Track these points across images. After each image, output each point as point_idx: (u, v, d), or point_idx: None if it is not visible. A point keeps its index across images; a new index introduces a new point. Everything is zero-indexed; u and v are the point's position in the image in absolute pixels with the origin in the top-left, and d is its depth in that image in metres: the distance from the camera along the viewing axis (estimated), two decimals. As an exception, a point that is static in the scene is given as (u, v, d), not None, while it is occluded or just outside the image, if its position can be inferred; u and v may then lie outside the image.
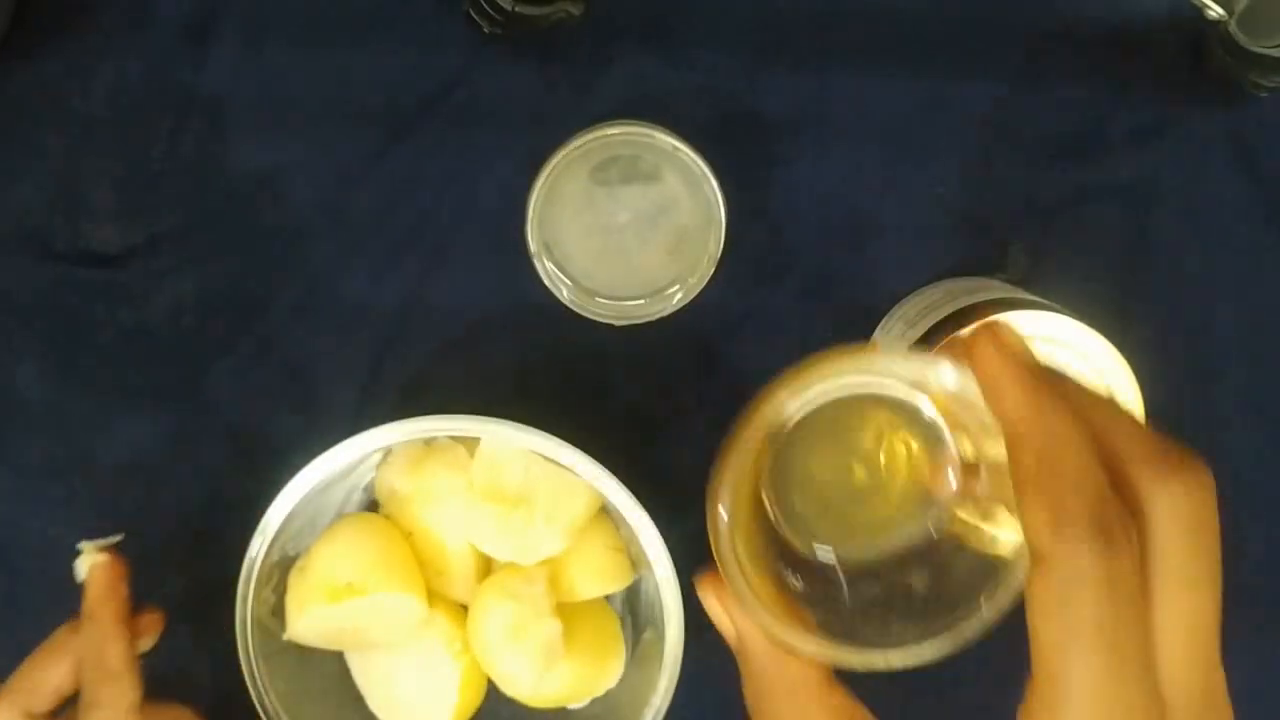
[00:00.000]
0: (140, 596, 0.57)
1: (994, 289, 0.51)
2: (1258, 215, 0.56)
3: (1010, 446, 0.29)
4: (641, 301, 0.52)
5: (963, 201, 0.56)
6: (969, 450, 0.33)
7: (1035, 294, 0.50)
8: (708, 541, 0.32)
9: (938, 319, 0.48)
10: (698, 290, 0.52)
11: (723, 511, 0.32)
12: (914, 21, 0.55)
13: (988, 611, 0.30)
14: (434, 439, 0.52)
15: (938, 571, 0.33)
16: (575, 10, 0.51)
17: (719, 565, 0.32)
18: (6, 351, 0.56)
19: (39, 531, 0.57)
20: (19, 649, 0.57)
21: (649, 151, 0.51)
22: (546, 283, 0.52)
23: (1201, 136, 0.56)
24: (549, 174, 0.50)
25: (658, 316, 0.52)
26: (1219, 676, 0.32)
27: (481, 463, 0.51)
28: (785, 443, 0.34)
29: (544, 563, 0.51)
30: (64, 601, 0.57)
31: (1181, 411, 0.55)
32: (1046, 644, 0.28)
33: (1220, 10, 0.51)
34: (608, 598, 0.55)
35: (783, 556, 0.34)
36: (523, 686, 0.52)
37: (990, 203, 0.56)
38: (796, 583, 0.33)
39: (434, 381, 0.57)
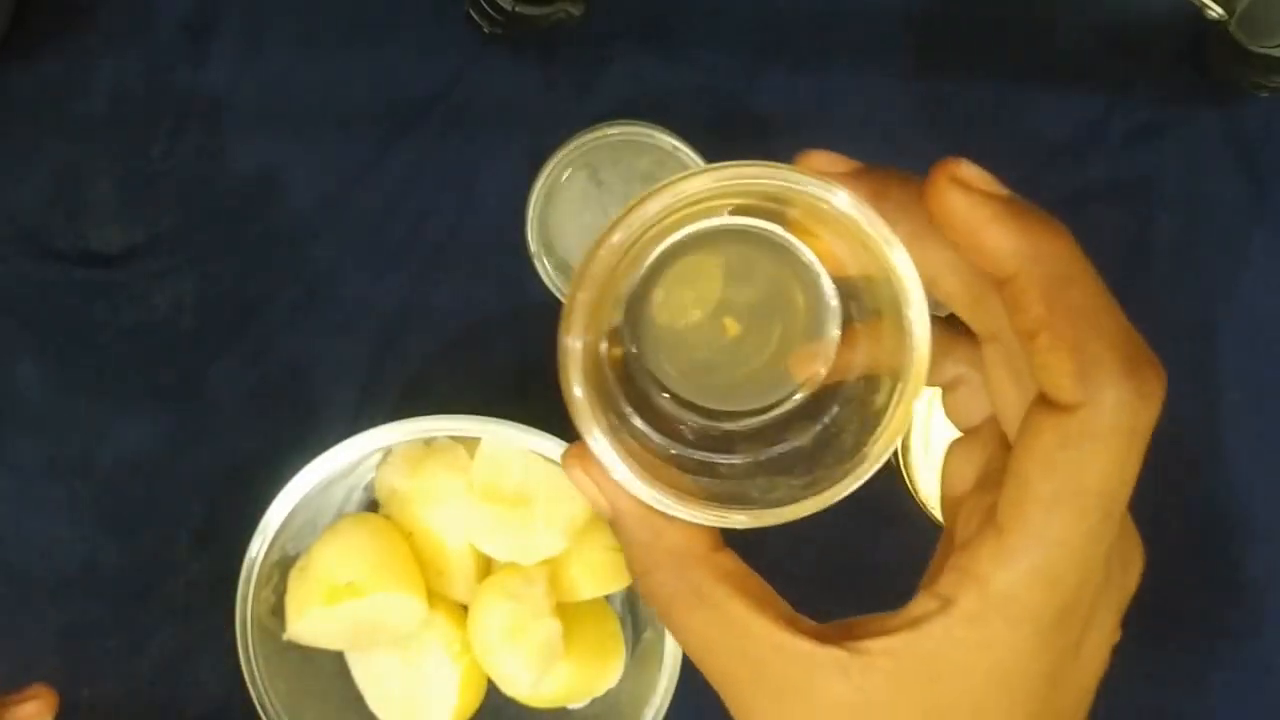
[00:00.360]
0: (141, 596, 0.57)
1: (994, 289, 0.51)
2: (1258, 215, 0.56)
3: (1010, 296, 0.25)
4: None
5: (963, 201, 0.56)
6: (852, 297, 0.29)
7: (1035, 294, 0.50)
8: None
9: (939, 319, 0.48)
10: (698, 290, 0.52)
11: (576, 376, 0.28)
12: (913, 21, 0.55)
13: (870, 461, 0.27)
14: (434, 439, 0.52)
15: (819, 424, 0.30)
16: (575, 10, 0.51)
17: (580, 430, 0.28)
18: (6, 351, 0.56)
19: (39, 531, 0.57)
20: (19, 649, 0.57)
21: (649, 151, 0.51)
22: (546, 283, 0.52)
23: (1202, 136, 0.56)
24: (549, 174, 0.50)
25: (658, 316, 0.52)
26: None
27: (481, 463, 0.51)
28: (644, 288, 0.29)
29: (544, 563, 0.51)
30: (64, 601, 0.57)
31: (1183, 411, 0.55)
32: (1035, 497, 0.25)
33: (1220, 10, 0.51)
34: (607, 598, 0.55)
35: (650, 419, 0.30)
36: (522, 686, 0.52)
37: (990, 202, 0.56)
38: (668, 446, 0.30)
39: (434, 381, 0.56)
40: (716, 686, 0.29)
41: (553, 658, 0.51)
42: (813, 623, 0.28)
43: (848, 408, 0.29)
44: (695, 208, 0.28)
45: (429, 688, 0.53)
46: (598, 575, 0.52)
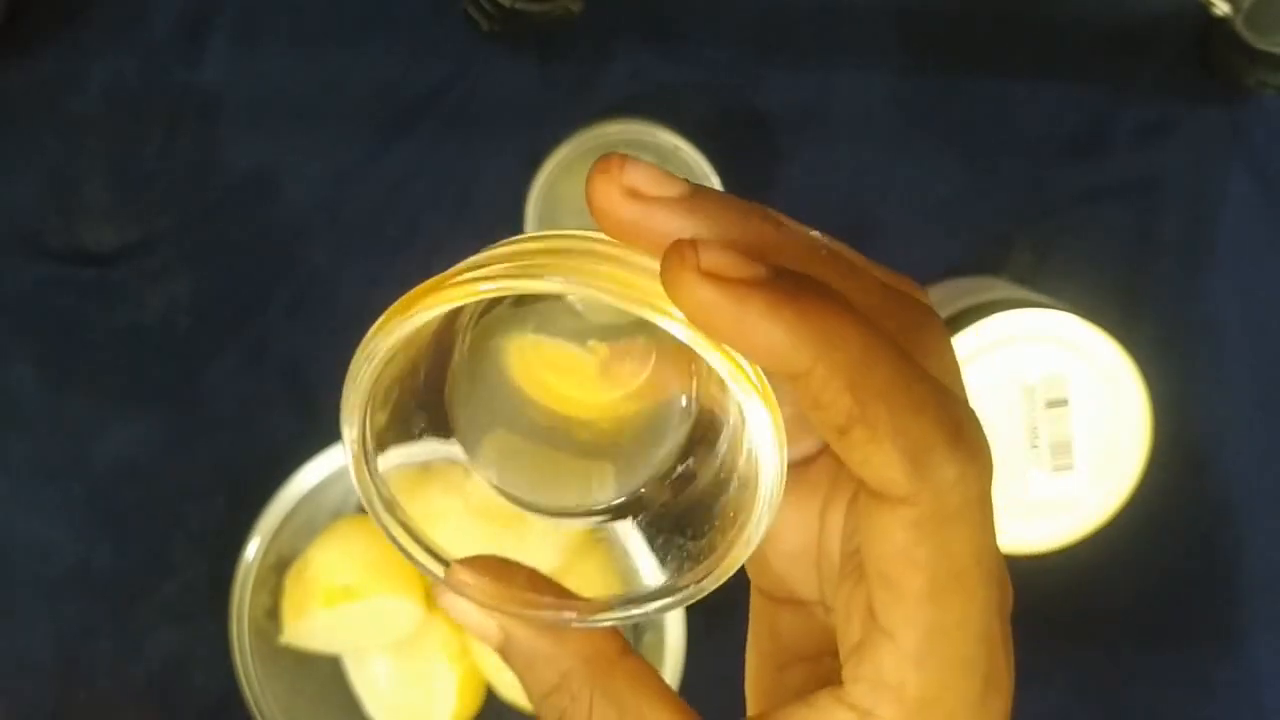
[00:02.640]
0: (137, 598, 0.57)
1: (998, 288, 0.51)
2: (1264, 212, 0.56)
3: (807, 392, 0.21)
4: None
5: (967, 199, 0.56)
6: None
7: (1040, 293, 0.50)
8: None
9: (942, 318, 0.48)
10: (699, 289, 0.51)
11: (378, 502, 0.24)
12: (916, 18, 0.55)
13: (737, 549, 0.24)
14: (430, 462, 0.52)
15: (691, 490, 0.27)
16: (575, 7, 0.51)
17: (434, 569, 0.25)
18: (1, 352, 0.56)
19: (34, 533, 0.57)
20: (14, 651, 0.57)
21: (650, 149, 0.51)
22: None
23: (1207, 134, 0.55)
24: (549, 172, 0.50)
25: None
26: None
27: (476, 479, 0.50)
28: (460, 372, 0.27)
29: (543, 566, 0.51)
30: (59, 603, 0.57)
31: (1188, 410, 0.55)
32: (914, 595, 0.22)
33: (1226, 7, 0.50)
34: (608, 600, 0.55)
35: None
36: (521, 690, 0.51)
37: (995, 201, 0.56)
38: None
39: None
40: None
41: (552, 661, 0.50)
42: None
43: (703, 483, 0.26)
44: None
45: (427, 691, 0.52)
46: (593, 590, 0.52)
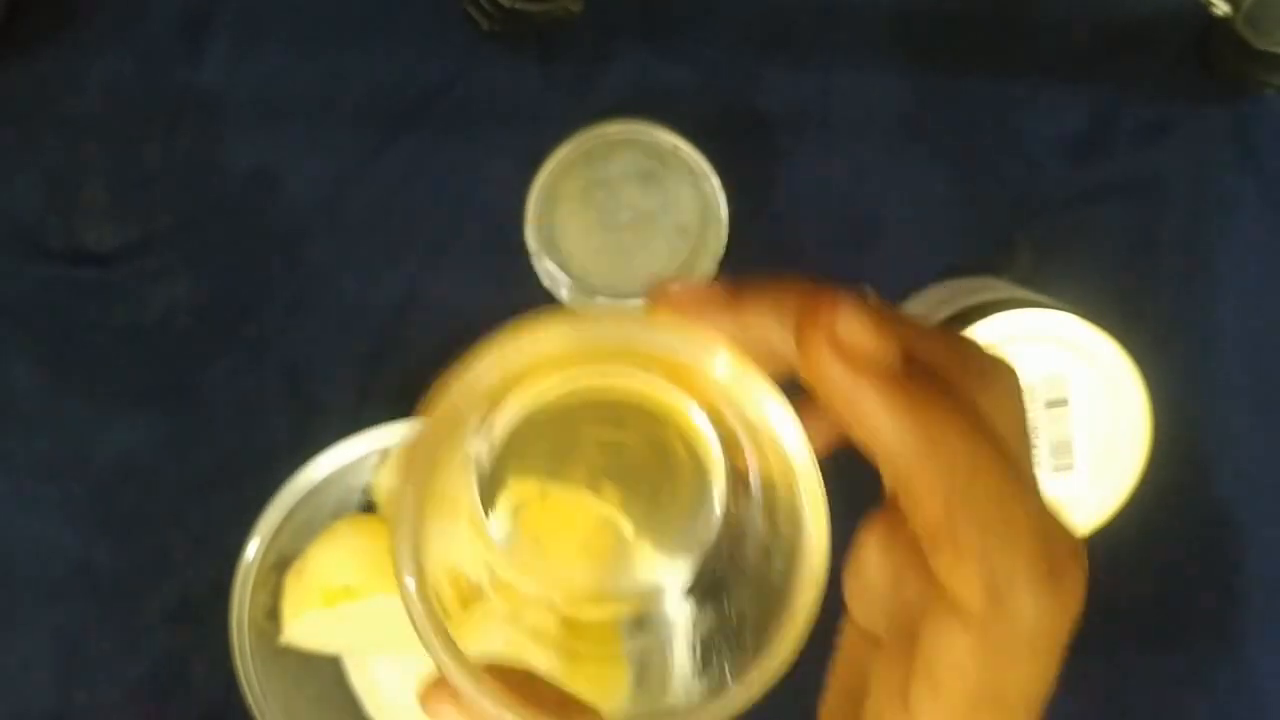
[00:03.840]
0: (136, 598, 0.57)
1: (998, 288, 0.51)
2: (1264, 213, 0.56)
3: (902, 483, 0.21)
4: (642, 300, 0.52)
5: (967, 199, 0.56)
6: (743, 458, 0.24)
7: (1040, 293, 0.50)
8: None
9: (941, 318, 0.48)
10: (698, 289, 0.51)
11: (417, 596, 0.23)
12: (917, 17, 0.55)
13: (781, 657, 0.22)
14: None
15: (717, 610, 0.25)
16: (575, 7, 0.51)
17: (447, 670, 0.24)
18: (0, 352, 0.56)
19: (33, 533, 0.57)
20: (14, 652, 0.57)
21: (649, 149, 0.51)
22: (546, 282, 0.51)
23: (1207, 134, 0.56)
24: (548, 172, 0.50)
25: (658, 316, 0.52)
26: None
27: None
28: (494, 462, 0.25)
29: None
30: (59, 604, 0.57)
31: (1188, 410, 0.55)
32: (950, 704, 0.22)
33: (1226, 7, 0.50)
34: (608, 600, 0.55)
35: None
36: (522, 690, 0.51)
37: (994, 201, 0.56)
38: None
39: (432, 381, 0.56)
40: None
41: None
42: None
43: (744, 587, 0.24)
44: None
45: (427, 691, 0.52)
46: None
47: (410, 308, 0.56)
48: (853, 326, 0.21)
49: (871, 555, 0.24)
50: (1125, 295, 0.55)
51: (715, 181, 0.50)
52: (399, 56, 0.55)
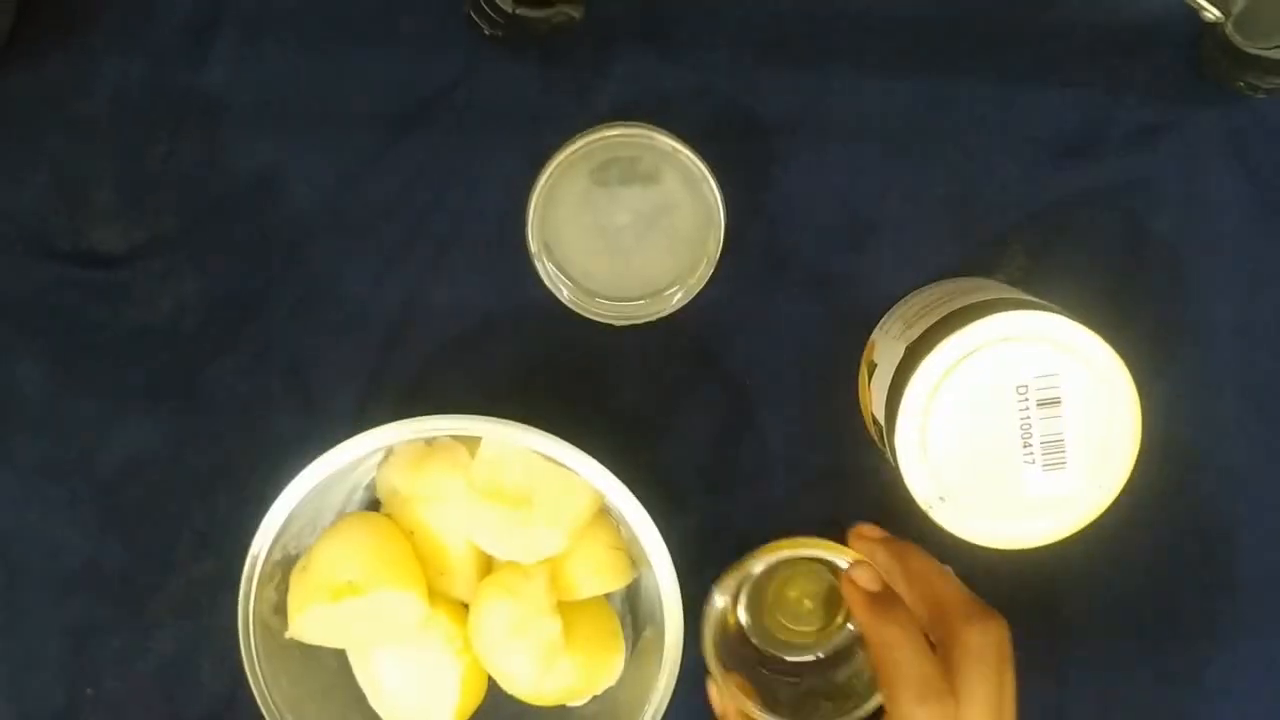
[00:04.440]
0: (144, 595, 0.57)
1: (992, 289, 0.51)
2: (1255, 215, 0.56)
3: (867, 645, 0.48)
4: (642, 302, 0.52)
5: (961, 201, 0.56)
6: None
7: (1033, 294, 0.51)
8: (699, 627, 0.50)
9: (936, 319, 0.49)
10: (697, 290, 0.52)
11: (711, 636, 0.51)
12: (913, 21, 0.56)
13: (869, 703, 0.51)
14: (435, 439, 0.52)
15: (844, 673, 0.54)
16: (575, 12, 0.51)
17: (711, 665, 0.51)
18: (8, 351, 0.57)
19: (41, 531, 0.57)
20: (22, 649, 0.57)
21: (648, 152, 0.51)
22: (546, 283, 0.52)
23: (1199, 137, 0.56)
24: (549, 175, 0.50)
25: (657, 317, 0.52)
26: None
27: (482, 462, 0.51)
28: (755, 584, 0.55)
29: (544, 561, 0.52)
30: (67, 601, 0.57)
31: (1180, 411, 0.55)
32: None
33: (1217, 12, 0.51)
34: (608, 596, 0.55)
35: (745, 664, 0.53)
36: (523, 684, 0.52)
37: (989, 203, 0.56)
38: (758, 678, 0.53)
39: (434, 381, 0.57)
40: None
41: (553, 656, 0.51)
42: None
43: (856, 664, 0.54)
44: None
45: (430, 686, 0.53)
46: (598, 573, 0.53)
47: (413, 308, 0.57)
48: (862, 571, 0.48)
49: None
50: (1117, 296, 0.56)
51: (714, 184, 0.50)
52: (402, 60, 0.56)
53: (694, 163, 0.50)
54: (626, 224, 0.52)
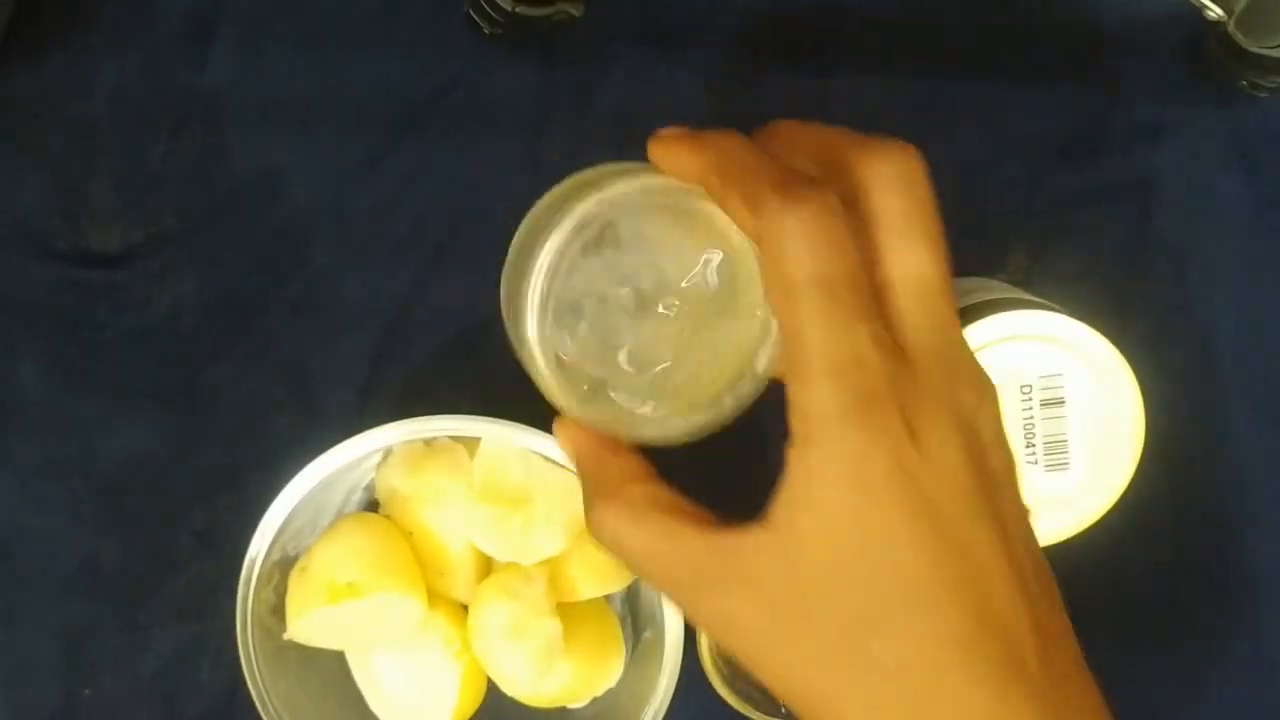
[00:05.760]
0: (142, 596, 0.57)
1: (994, 288, 0.51)
2: (1257, 214, 0.56)
3: (703, 183, 0.33)
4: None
5: (963, 201, 0.56)
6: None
7: (1035, 294, 0.50)
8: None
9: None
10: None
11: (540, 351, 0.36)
12: (914, 22, 0.56)
13: (755, 377, 0.36)
14: (434, 439, 0.52)
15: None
16: (576, 11, 0.51)
17: (553, 396, 0.36)
18: (6, 351, 0.56)
19: (39, 532, 0.57)
20: (19, 648, 0.57)
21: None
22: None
23: (1200, 137, 0.56)
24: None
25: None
26: (957, 335, 0.32)
27: (481, 463, 0.51)
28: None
29: (544, 562, 0.51)
30: (65, 602, 0.57)
31: (1182, 410, 0.55)
32: (779, 310, 0.31)
33: (1219, 11, 0.51)
34: (608, 598, 0.55)
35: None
36: (522, 686, 0.52)
37: (990, 203, 0.56)
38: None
39: (434, 381, 0.57)
40: (667, 594, 0.34)
41: (553, 657, 0.51)
42: (734, 520, 0.32)
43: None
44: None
45: (429, 687, 0.53)
46: (598, 575, 0.52)
47: (412, 309, 0.56)
48: (662, 130, 0.34)
49: None
50: (1119, 295, 0.55)
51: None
52: (401, 60, 0.56)
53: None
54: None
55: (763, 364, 0.35)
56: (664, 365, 0.36)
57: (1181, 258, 0.56)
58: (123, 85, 0.56)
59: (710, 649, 0.51)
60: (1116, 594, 0.57)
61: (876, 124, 0.56)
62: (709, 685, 0.52)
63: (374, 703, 0.54)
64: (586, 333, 0.35)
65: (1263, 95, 0.54)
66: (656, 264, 0.35)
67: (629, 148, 0.36)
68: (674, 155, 0.33)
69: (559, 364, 0.36)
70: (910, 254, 0.32)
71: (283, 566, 0.52)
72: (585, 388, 0.36)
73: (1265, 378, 0.57)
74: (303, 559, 0.51)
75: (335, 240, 0.56)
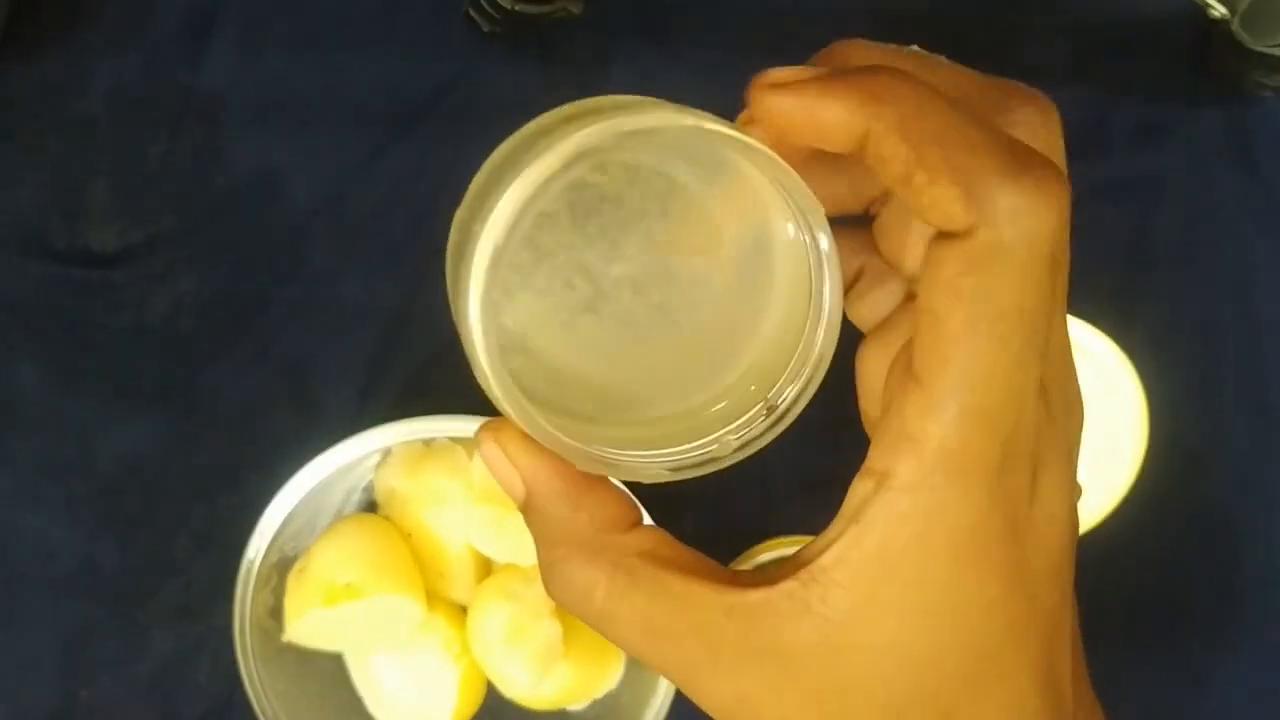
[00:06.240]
0: (140, 597, 0.57)
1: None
2: (1260, 213, 0.56)
3: (873, 155, 0.23)
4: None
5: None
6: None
7: (1037, 293, 0.50)
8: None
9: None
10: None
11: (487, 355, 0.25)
12: (915, 20, 0.55)
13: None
14: (433, 440, 0.52)
15: None
16: (575, 9, 0.51)
17: (500, 400, 0.27)
18: (5, 352, 0.56)
19: (38, 532, 0.57)
20: (18, 650, 0.57)
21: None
22: None
23: (1204, 135, 0.56)
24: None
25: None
26: (1071, 356, 0.26)
27: (481, 464, 0.51)
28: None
29: (544, 564, 0.51)
30: (62, 602, 0.57)
31: (1184, 410, 0.55)
32: (949, 333, 0.22)
33: (1223, 9, 0.50)
34: (608, 599, 0.55)
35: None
36: (522, 688, 0.51)
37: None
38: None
39: (433, 381, 0.56)
40: (671, 676, 0.26)
41: (552, 659, 0.51)
42: (757, 573, 0.25)
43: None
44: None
45: (428, 689, 0.53)
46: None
47: (411, 307, 0.56)
48: (778, 71, 0.25)
49: (874, 357, 0.28)
50: (1122, 295, 0.55)
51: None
52: (400, 59, 0.55)
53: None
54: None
55: (796, 393, 0.27)
56: (651, 376, 0.27)
57: (1185, 256, 0.56)
58: (121, 85, 0.56)
59: None
60: (1119, 594, 0.57)
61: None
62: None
63: (372, 705, 0.54)
64: (550, 317, 0.27)
65: (1266, 94, 0.54)
66: (657, 236, 0.26)
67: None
68: (810, 107, 0.24)
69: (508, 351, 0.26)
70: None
71: (281, 568, 0.52)
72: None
73: (1268, 378, 0.56)
74: (301, 560, 0.51)
75: (334, 240, 0.56)
